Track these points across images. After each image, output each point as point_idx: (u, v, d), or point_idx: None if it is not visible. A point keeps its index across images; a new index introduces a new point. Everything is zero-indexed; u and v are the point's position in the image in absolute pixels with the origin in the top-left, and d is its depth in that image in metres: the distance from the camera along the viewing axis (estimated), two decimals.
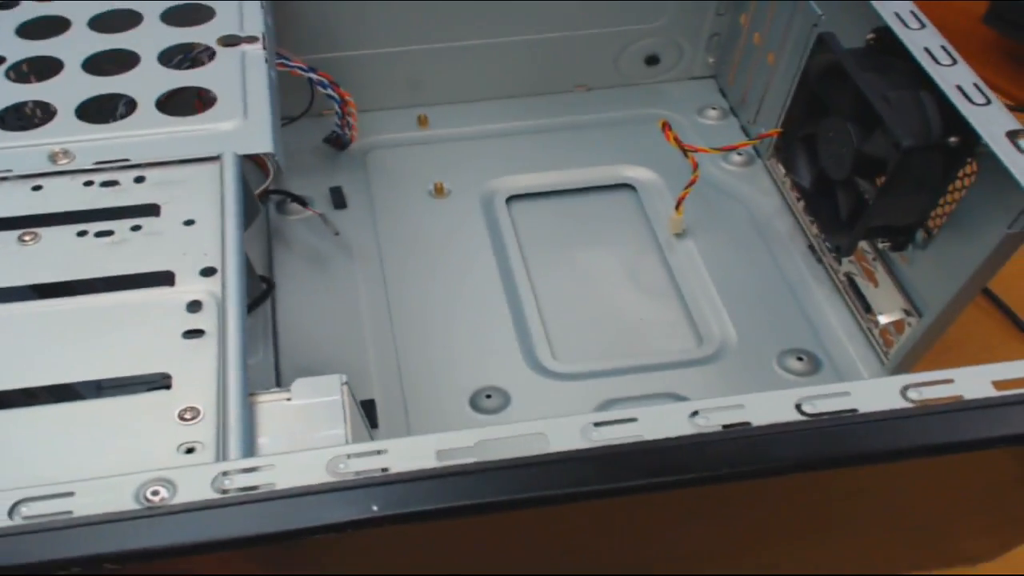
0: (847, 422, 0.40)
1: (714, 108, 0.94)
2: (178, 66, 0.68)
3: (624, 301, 0.77)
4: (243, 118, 0.62)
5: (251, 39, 0.69)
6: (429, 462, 0.39)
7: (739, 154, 0.88)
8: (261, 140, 0.60)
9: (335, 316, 0.74)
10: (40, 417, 0.44)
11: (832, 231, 0.70)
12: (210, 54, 0.67)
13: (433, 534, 0.40)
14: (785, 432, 0.40)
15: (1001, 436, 0.39)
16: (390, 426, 0.66)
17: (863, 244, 0.70)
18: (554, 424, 0.40)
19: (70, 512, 0.36)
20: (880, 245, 0.68)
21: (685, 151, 0.79)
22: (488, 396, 0.69)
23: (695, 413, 0.41)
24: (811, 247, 0.79)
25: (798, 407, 0.41)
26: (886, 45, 0.65)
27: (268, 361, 0.68)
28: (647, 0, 0.90)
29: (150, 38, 0.68)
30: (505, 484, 0.38)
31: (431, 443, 0.39)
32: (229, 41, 0.69)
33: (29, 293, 0.51)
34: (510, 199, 0.85)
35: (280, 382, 0.68)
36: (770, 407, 0.41)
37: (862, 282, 0.72)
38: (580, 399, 0.68)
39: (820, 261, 0.78)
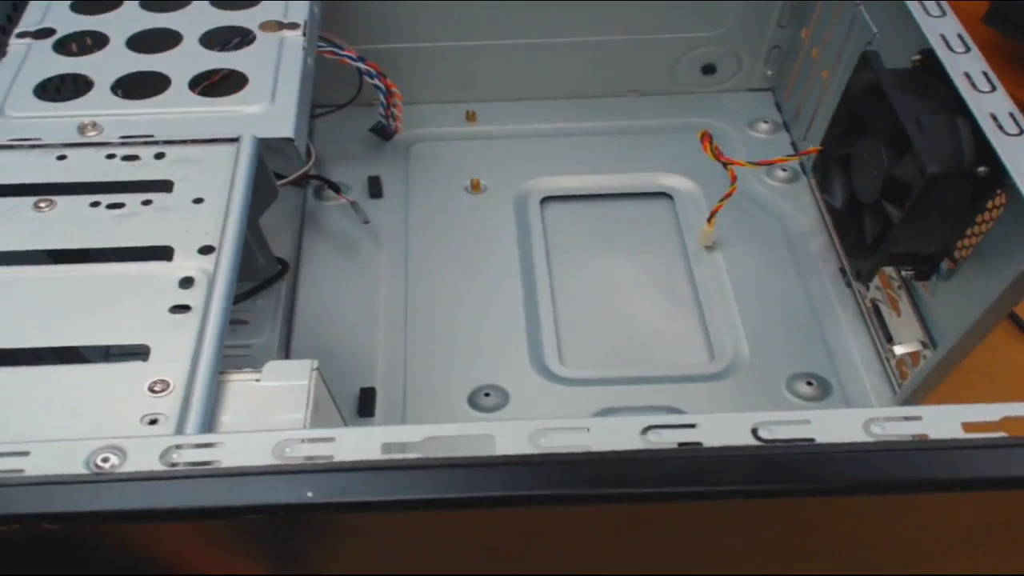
0: (801, 451, 0.39)
1: (766, 122, 0.92)
2: (237, 47, 0.69)
3: (642, 310, 0.77)
4: (270, 103, 0.63)
5: (292, 26, 0.70)
6: (373, 454, 0.39)
7: (784, 170, 0.86)
8: (283, 125, 0.62)
9: (352, 303, 0.75)
10: (20, 377, 0.45)
11: (855, 255, 0.68)
12: (250, 39, 0.69)
13: (375, 525, 0.41)
14: (735, 456, 0.39)
15: (961, 479, 0.38)
16: (386, 416, 0.67)
17: (890, 271, 0.68)
18: (503, 427, 0.40)
19: (22, 471, 0.38)
20: (904, 273, 0.65)
21: (724, 164, 0.77)
22: (487, 394, 0.69)
23: (648, 429, 0.40)
24: (842, 270, 0.77)
25: (754, 431, 0.40)
26: (931, 67, 0.63)
27: (272, 342, 0.69)
28: (709, 5, 0.88)
29: (196, 19, 0.70)
30: (441, 483, 0.38)
31: (378, 435, 0.40)
32: (270, 26, 0.70)
33: (38, 257, 0.53)
34: (544, 200, 0.85)
35: None
36: (725, 429, 0.40)
37: (886, 310, 0.70)
38: (579, 405, 0.68)
39: (849, 285, 0.76)
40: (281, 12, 0.71)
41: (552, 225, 0.83)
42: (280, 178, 0.77)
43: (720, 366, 0.72)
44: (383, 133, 0.89)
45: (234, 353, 0.67)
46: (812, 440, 0.39)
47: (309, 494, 0.37)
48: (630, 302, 0.77)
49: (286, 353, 0.70)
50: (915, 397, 0.64)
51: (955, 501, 0.40)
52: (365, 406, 0.67)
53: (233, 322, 0.70)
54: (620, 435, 0.40)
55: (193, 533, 0.41)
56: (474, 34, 0.89)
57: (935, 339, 0.63)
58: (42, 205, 0.54)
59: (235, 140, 0.59)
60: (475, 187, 0.86)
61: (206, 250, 0.52)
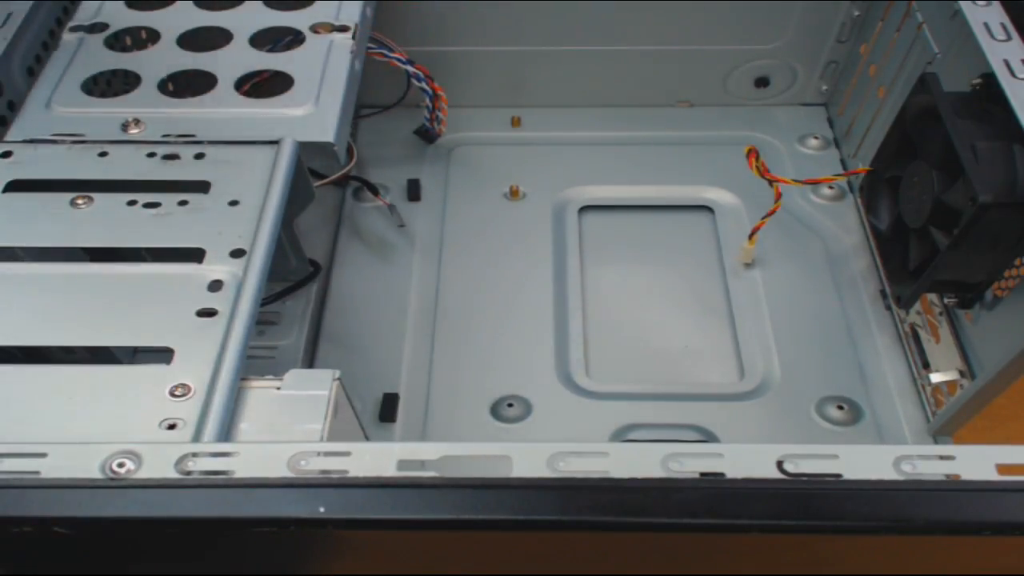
0: (827, 487, 0.38)
1: (816, 137, 0.90)
2: (288, 47, 0.70)
3: (673, 325, 0.75)
4: (313, 106, 0.63)
5: (343, 28, 0.70)
6: (388, 471, 0.39)
7: (830, 187, 0.84)
8: (324, 129, 0.61)
9: (382, 306, 0.75)
10: (46, 375, 0.45)
11: (897, 280, 0.67)
12: (300, 39, 0.69)
13: (387, 541, 0.40)
14: (758, 489, 0.38)
15: (992, 523, 0.37)
16: (408, 422, 0.67)
17: (932, 296, 0.66)
18: (521, 449, 0.39)
19: (38, 472, 0.38)
20: (947, 300, 0.64)
21: (769, 181, 0.75)
22: (510, 405, 0.68)
23: (670, 457, 0.39)
24: (883, 291, 0.75)
25: (779, 464, 0.39)
26: (991, 92, 0.61)
27: (299, 344, 0.69)
28: (768, 18, 0.86)
29: (248, 19, 0.70)
30: (455, 503, 0.38)
31: (395, 452, 0.39)
32: (321, 28, 0.70)
33: (73, 254, 0.54)
34: (583, 209, 0.84)
35: (314, 364, 0.69)
36: (750, 460, 0.39)
37: (925, 336, 0.68)
38: (603, 420, 0.67)
39: (889, 308, 0.74)
40: (333, 14, 0.71)
41: (589, 235, 0.82)
42: (321, 178, 0.77)
43: (749, 386, 0.70)
44: (427, 136, 0.89)
45: (260, 354, 0.67)
46: (839, 476, 0.38)
47: (321, 509, 0.37)
48: (662, 316, 0.76)
49: (312, 355, 0.70)
50: (949, 427, 0.63)
51: (985, 544, 0.39)
52: (387, 411, 0.67)
53: (261, 323, 0.70)
54: (641, 462, 0.39)
55: (206, 539, 0.41)
56: (525, 39, 0.88)
57: (974, 369, 0.62)
58: (80, 202, 0.55)
59: (275, 143, 0.59)
60: (514, 194, 0.85)
61: (237, 253, 0.52)
